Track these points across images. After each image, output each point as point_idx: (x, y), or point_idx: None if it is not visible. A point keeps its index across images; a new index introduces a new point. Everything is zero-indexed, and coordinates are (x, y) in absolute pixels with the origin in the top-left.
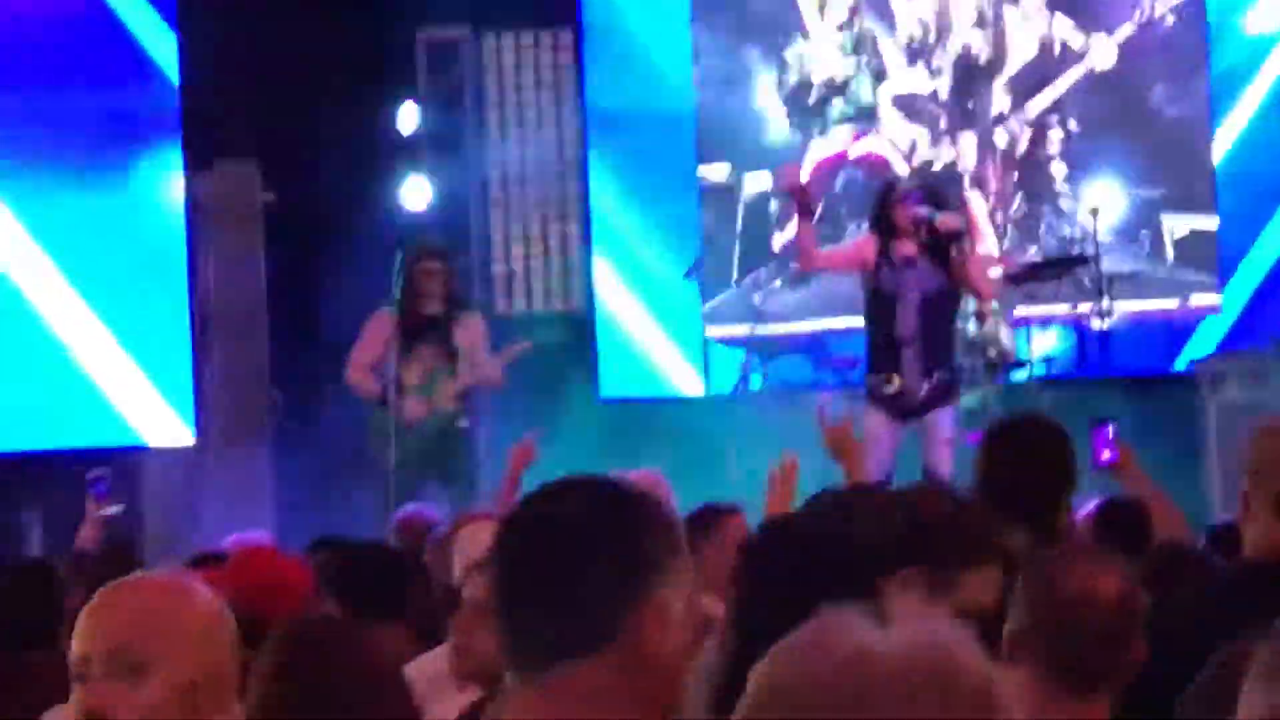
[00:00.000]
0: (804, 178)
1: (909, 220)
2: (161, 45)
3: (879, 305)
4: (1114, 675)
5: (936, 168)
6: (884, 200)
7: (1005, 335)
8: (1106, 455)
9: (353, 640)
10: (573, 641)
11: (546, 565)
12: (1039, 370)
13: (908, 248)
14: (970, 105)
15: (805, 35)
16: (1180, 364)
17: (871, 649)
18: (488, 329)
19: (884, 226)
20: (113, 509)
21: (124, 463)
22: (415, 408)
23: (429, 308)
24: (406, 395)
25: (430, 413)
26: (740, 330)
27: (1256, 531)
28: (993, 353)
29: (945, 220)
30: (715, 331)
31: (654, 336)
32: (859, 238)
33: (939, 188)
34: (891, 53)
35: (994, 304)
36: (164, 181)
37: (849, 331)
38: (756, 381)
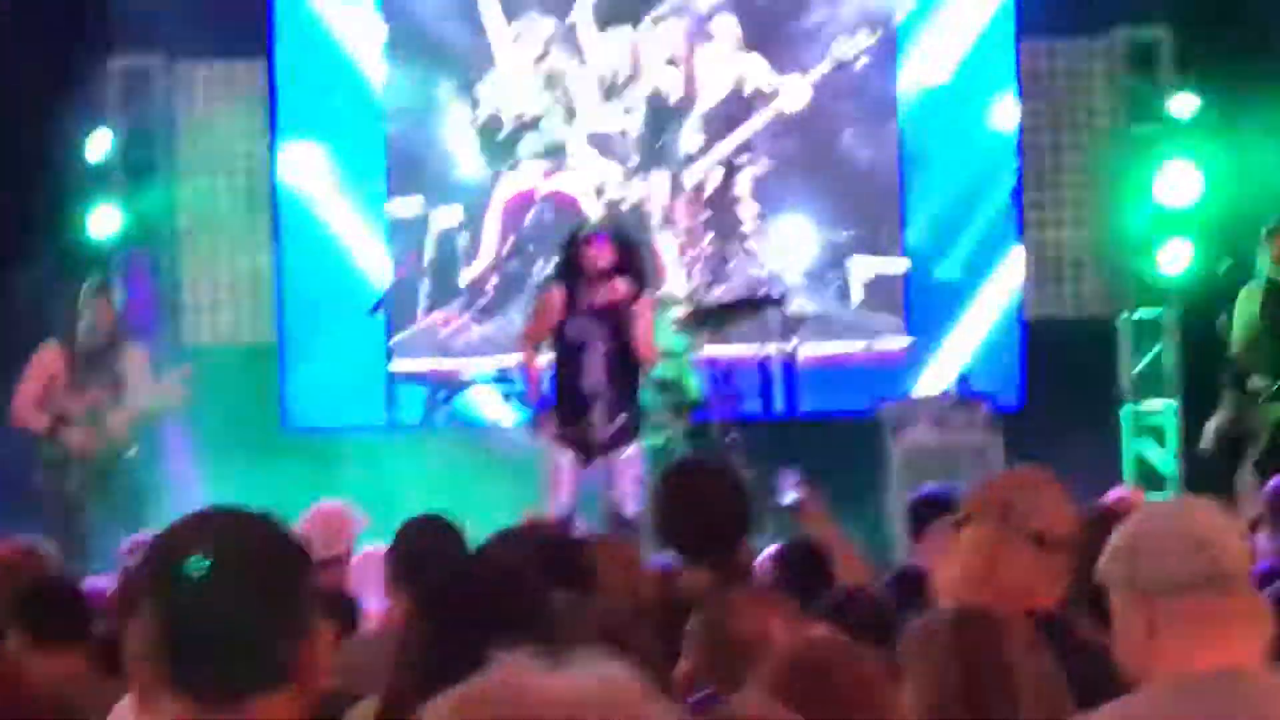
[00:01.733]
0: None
1: (594, 265)
2: None
3: (565, 353)
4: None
5: (627, 205)
6: (571, 244)
7: (692, 375)
8: (790, 497)
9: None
10: (255, 678)
11: (221, 605)
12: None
13: (596, 295)
14: (661, 144)
15: (497, 70)
16: (866, 406)
17: (545, 694)
18: (150, 359)
19: (571, 271)
20: None
21: None
22: (83, 438)
23: (95, 341)
24: (74, 426)
25: (99, 442)
26: (425, 364)
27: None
28: (678, 393)
29: (611, 290)
30: (400, 365)
31: (339, 368)
32: (542, 300)
33: (625, 228)
34: (583, 90)
35: (680, 344)
36: None
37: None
38: (441, 416)
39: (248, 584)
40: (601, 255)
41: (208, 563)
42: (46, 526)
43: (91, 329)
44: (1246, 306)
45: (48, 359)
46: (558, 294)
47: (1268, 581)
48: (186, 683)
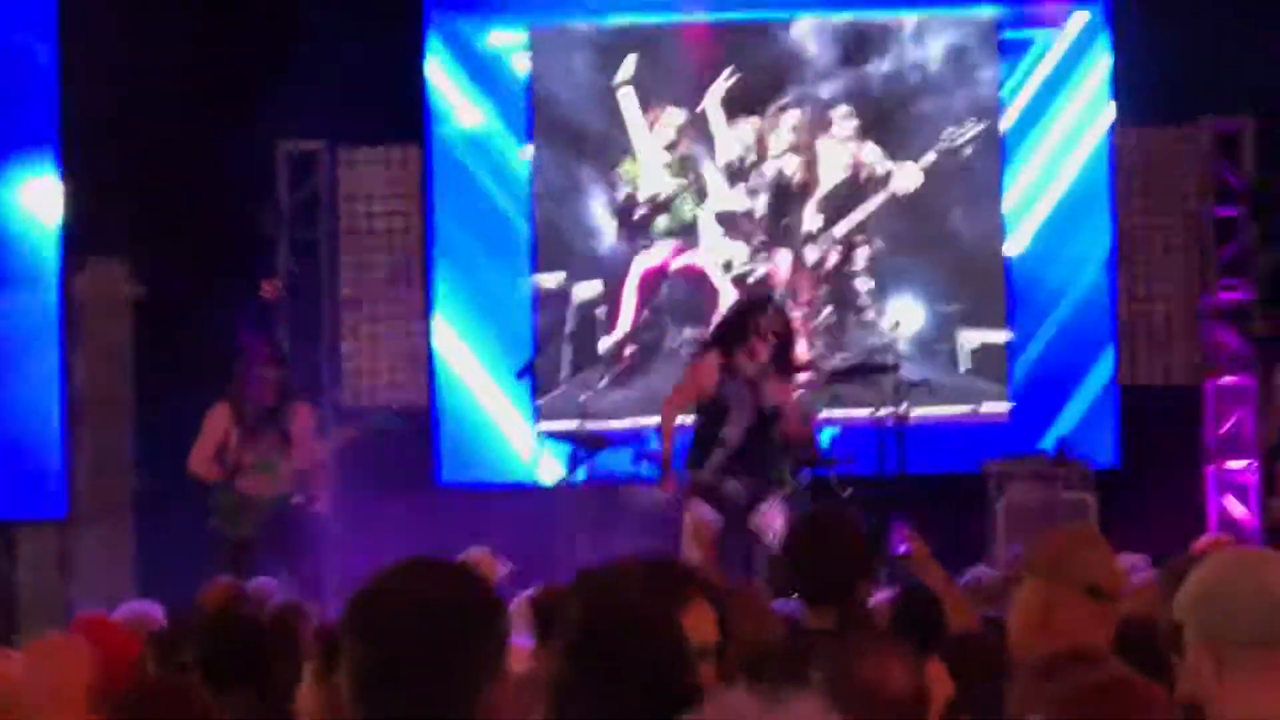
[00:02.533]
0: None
1: (763, 333)
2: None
3: (712, 405)
4: None
5: (752, 280)
6: (747, 310)
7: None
8: (902, 547)
9: (180, 702)
10: (440, 715)
11: (413, 644)
12: (842, 467)
13: (758, 358)
14: (784, 223)
15: (634, 156)
16: (971, 464)
17: None
18: (317, 418)
19: (734, 335)
20: None
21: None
22: (256, 484)
23: (265, 401)
24: (246, 474)
25: (271, 489)
26: (568, 425)
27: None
28: (802, 449)
29: (779, 392)
30: (546, 426)
31: (490, 429)
32: (695, 367)
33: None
34: (712, 174)
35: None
36: (43, 277)
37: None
38: (582, 473)
39: (445, 629)
40: (774, 326)
41: (409, 606)
42: (220, 568)
43: (262, 393)
44: None
45: (219, 417)
46: (712, 360)
47: None
48: (379, 710)
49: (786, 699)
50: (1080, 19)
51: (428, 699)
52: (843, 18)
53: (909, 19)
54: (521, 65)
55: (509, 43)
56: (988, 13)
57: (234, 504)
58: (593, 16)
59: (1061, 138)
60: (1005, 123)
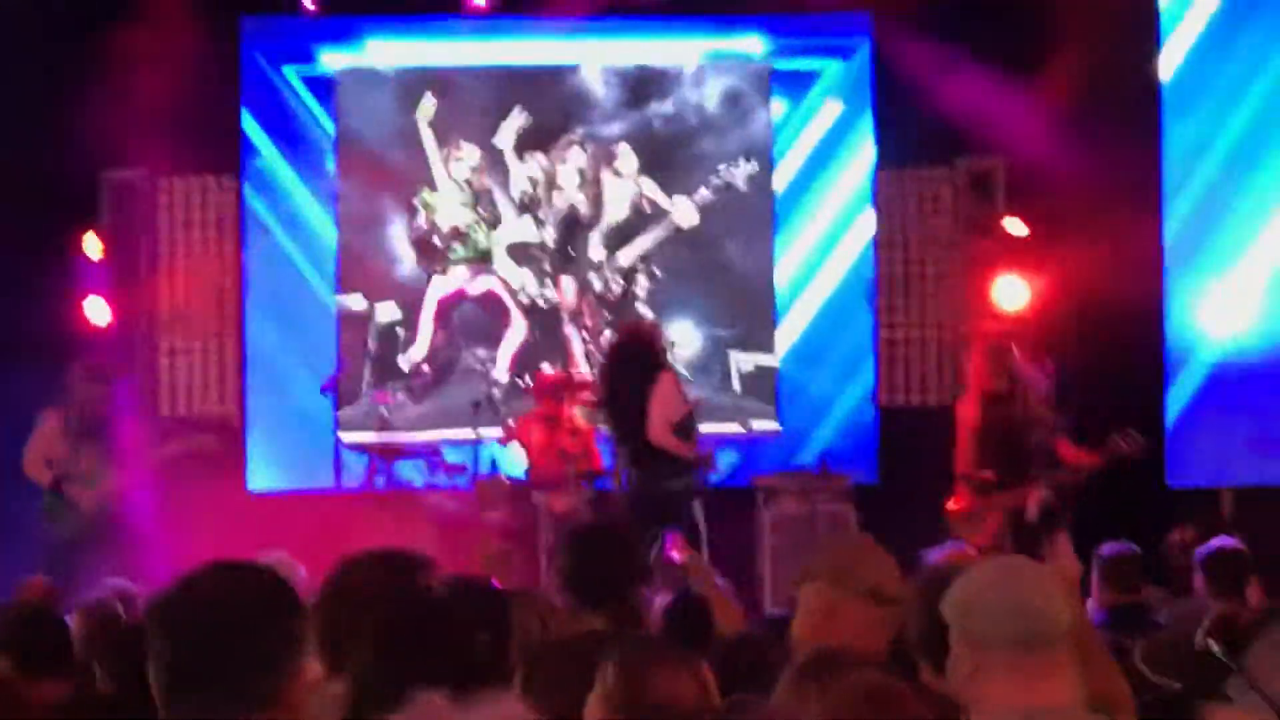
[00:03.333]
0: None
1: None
2: None
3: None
4: None
5: (542, 305)
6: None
7: (596, 450)
8: (675, 555)
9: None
10: (242, 710)
11: (216, 643)
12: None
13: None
14: (571, 253)
15: (433, 187)
16: (743, 479)
17: None
18: (144, 431)
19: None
20: None
21: None
22: (84, 496)
23: (94, 414)
24: (75, 483)
25: (95, 500)
26: (367, 437)
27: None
28: (583, 463)
29: None
30: (347, 437)
31: (296, 439)
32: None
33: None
34: (505, 205)
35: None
36: None
37: (460, 441)
38: (380, 480)
39: (240, 625)
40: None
41: (208, 607)
42: (45, 568)
43: (92, 405)
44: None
45: (48, 425)
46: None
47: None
48: (180, 714)
49: (482, 700)
50: (840, 66)
51: (228, 696)
52: (627, 64)
53: (689, 64)
54: (327, 106)
55: (318, 78)
56: (762, 60)
57: (61, 507)
58: (394, 65)
59: (827, 177)
60: (777, 162)
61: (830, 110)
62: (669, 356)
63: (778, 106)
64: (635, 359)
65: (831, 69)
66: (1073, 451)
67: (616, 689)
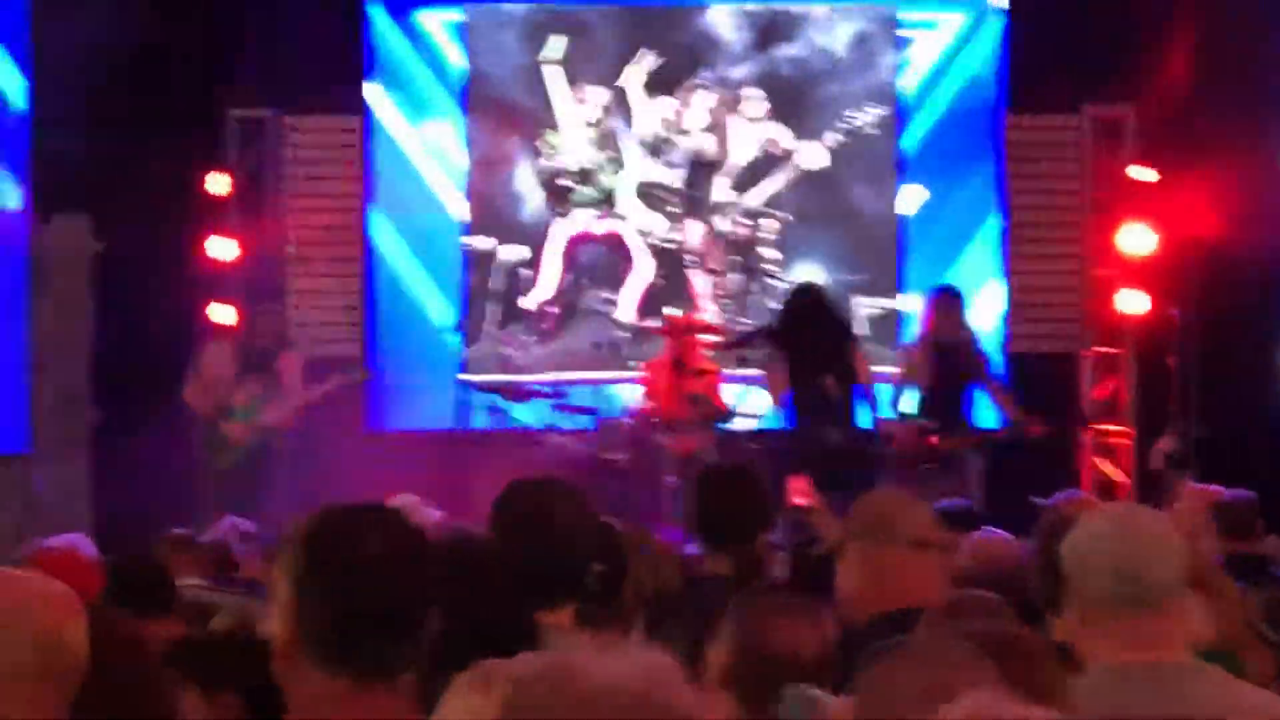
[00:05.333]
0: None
1: None
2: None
3: None
4: None
5: (668, 248)
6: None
7: (721, 392)
8: (799, 500)
9: (129, 629)
10: (408, 656)
11: (391, 589)
12: (746, 423)
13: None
14: (697, 196)
15: (560, 129)
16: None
17: (591, 676)
18: (303, 365)
19: None
20: None
21: None
22: (239, 429)
23: (262, 342)
24: (233, 418)
25: (252, 434)
26: (491, 377)
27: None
28: (708, 406)
29: None
30: (470, 377)
31: (419, 378)
32: None
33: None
34: (632, 147)
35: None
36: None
37: (583, 383)
38: (503, 422)
39: (407, 572)
40: None
41: (379, 552)
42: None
43: (259, 334)
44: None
45: (218, 354)
46: None
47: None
48: (347, 660)
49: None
50: (971, 11)
51: (390, 638)
52: (755, 6)
53: (819, 7)
54: (455, 48)
55: (446, 20)
56: (890, 4)
57: (220, 441)
58: (522, 4)
59: (955, 122)
60: (904, 107)
61: (958, 55)
62: None
63: (906, 51)
64: (834, 313)
65: (960, 13)
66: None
67: (737, 637)
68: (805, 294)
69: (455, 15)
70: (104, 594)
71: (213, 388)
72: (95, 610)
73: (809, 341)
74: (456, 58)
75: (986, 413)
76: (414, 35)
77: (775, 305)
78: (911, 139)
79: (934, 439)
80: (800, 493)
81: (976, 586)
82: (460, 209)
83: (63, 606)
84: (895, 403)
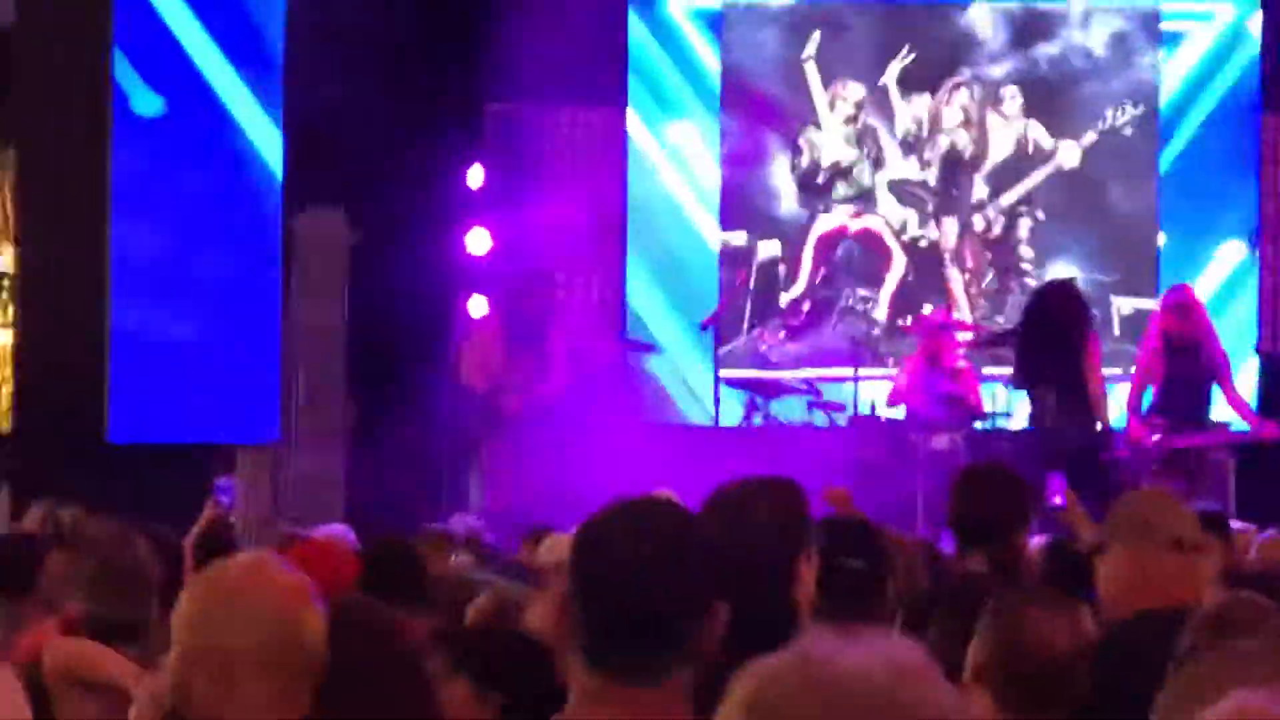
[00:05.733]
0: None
1: None
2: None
3: None
4: (1065, 703)
5: (923, 245)
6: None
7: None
8: (1058, 500)
9: (385, 621)
10: (671, 655)
11: (647, 588)
12: (1000, 422)
13: None
14: (954, 193)
15: (817, 126)
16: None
17: (848, 672)
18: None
19: None
20: (223, 502)
21: (226, 454)
22: (515, 405)
23: (529, 319)
24: (507, 392)
25: (525, 408)
26: (746, 374)
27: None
28: (963, 405)
29: None
30: (725, 373)
31: (672, 373)
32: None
33: None
34: (889, 144)
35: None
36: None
37: (838, 380)
38: (758, 418)
39: (668, 568)
40: None
41: (645, 554)
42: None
43: (528, 310)
44: None
45: (486, 333)
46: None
47: None
48: (606, 660)
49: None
50: (1232, 9)
51: (646, 637)
52: (1014, 4)
53: (1077, 5)
54: (707, 43)
55: (703, 15)
56: (1150, 3)
57: (495, 416)
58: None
59: (1213, 122)
60: (1162, 106)
61: (1217, 54)
62: None
63: (1166, 49)
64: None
65: (1220, 12)
66: None
67: (994, 633)
68: (1046, 294)
69: (713, 10)
70: (359, 583)
71: (486, 363)
72: (345, 602)
73: (1052, 340)
74: (708, 54)
75: (1227, 413)
76: (664, 31)
77: None
78: (1169, 137)
79: (1174, 439)
80: (1058, 492)
81: (1262, 586)
82: (712, 204)
83: (300, 597)
84: (1135, 402)
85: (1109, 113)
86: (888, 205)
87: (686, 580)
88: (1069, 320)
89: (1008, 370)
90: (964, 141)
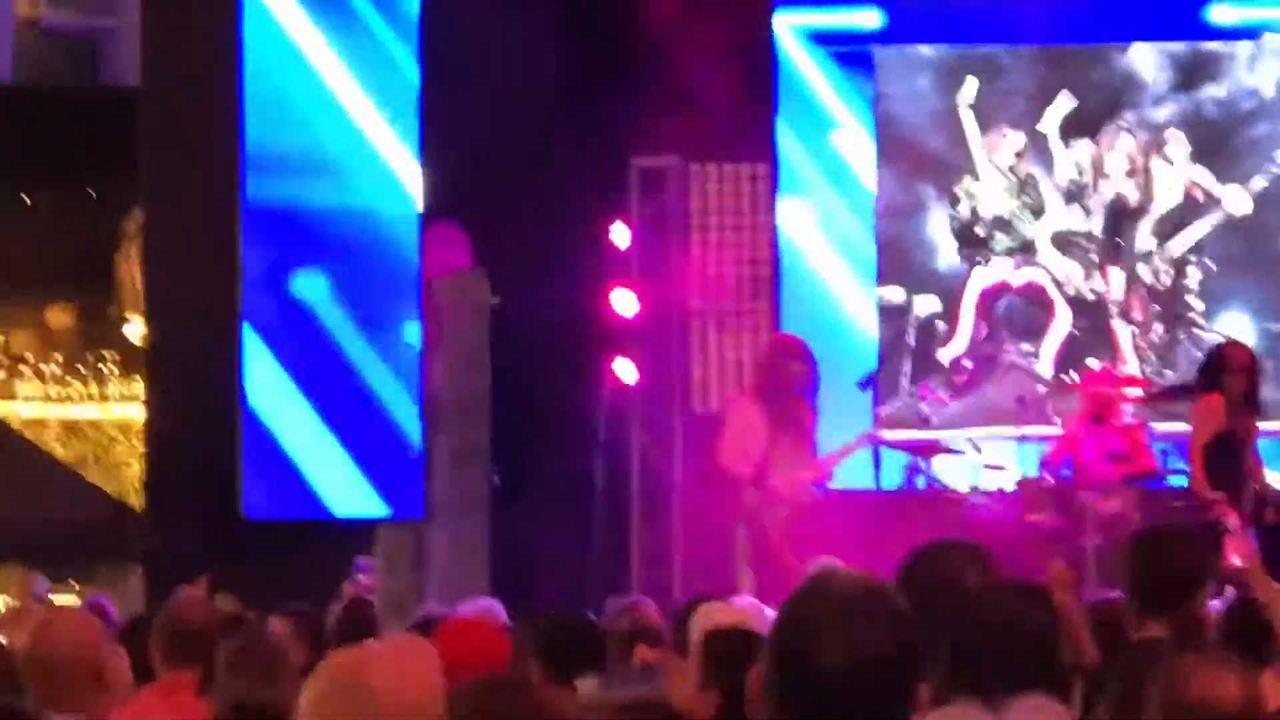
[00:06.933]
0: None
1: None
2: (408, 168)
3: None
4: None
5: (1088, 298)
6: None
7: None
8: (1236, 560)
9: (526, 698)
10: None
11: (866, 681)
12: (1175, 481)
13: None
14: (1119, 243)
15: (975, 175)
16: None
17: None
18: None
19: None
20: (363, 581)
21: (367, 532)
22: (789, 484)
23: (788, 400)
24: (778, 474)
25: (799, 489)
26: (907, 434)
27: None
28: (1130, 462)
29: None
30: (886, 434)
31: (832, 435)
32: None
33: None
34: (1051, 194)
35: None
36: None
37: (1000, 439)
38: (921, 481)
39: (889, 662)
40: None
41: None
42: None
43: (788, 392)
44: None
45: (748, 411)
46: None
47: None
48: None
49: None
50: None
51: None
52: (1178, 45)
53: (1243, 46)
54: (866, 88)
55: (854, 66)
56: None
57: (765, 503)
58: (935, 42)
59: None
60: None
61: None
62: None
63: None
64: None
65: None
66: None
67: (1162, 690)
68: (1220, 353)
69: (865, 57)
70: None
71: (748, 446)
72: (499, 681)
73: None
74: (855, 103)
75: None
76: (819, 76)
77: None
78: None
79: None
80: (1238, 552)
81: None
82: (866, 260)
83: (423, 688)
84: None
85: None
86: (1050, 257)
87: (905, 672)
88: (1254, 382)
89: (1180, 427)
90: (1128, 188)
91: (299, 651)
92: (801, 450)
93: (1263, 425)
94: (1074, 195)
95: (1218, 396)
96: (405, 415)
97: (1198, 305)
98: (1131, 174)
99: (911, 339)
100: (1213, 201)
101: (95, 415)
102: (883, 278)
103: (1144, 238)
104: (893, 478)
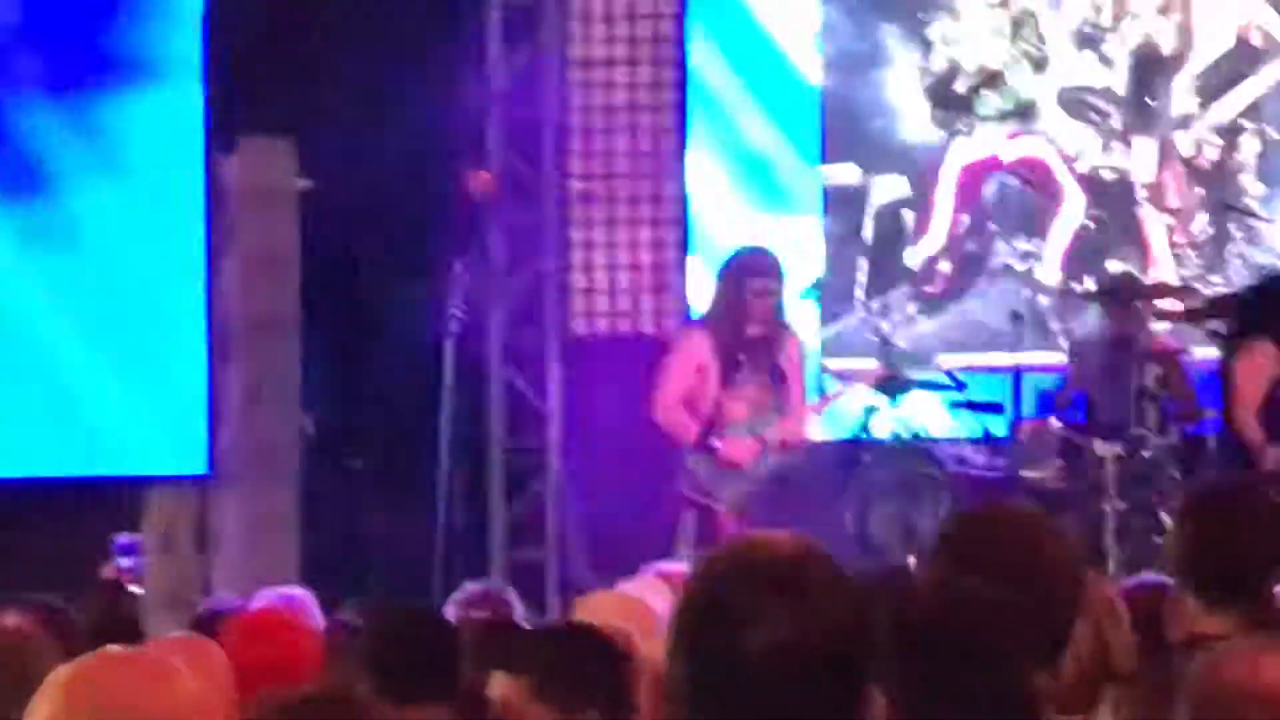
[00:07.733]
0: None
1: None
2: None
3: None
4: None
5: (1107, 177)
6: None
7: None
8: None
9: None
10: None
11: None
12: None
13: None
14: (1149, 104)
15: (953, 13)
16: None
17: None
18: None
19: None
20: (125, 563)
21: (128, 495)
22: (742, 450)
23: (753, 330)
24: (730, 434)
25: (759, 456)
26: (864, 364)
27: None
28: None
29: None
30: (833, 364)
31: None
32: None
33: None
34: (1057, 37)
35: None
36: (180, 162)
37: (994, 370)
38: (883, 428)
39: (828, 659)
40: None
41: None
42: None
43: (752, 320)
44: None
45: (693, 347)
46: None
47: None
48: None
49: None
50: None
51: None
52: None
53: None
54: None
55: None
56: None
57: (712, 474)
58: None
59: None
60: None
61: None
62: None
63: None
64: None
65: None
66: None
67: (1197, 679)
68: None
69: None
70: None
71: (690, 399)
72: (316, 696)
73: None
74: None
75: None
76: None
77: (1263, 257)
78: None
79: None
80: None
81: None
82: (811, 128)
83: (203, 703)
84: None
85: None
86: (1056, 123)
87: (850, 664)
88: None
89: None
90: (1162, 31)
91: (50, 655)
92: (768, 400)
93: None
94: (1088, 40)
95: (1271, 346)
96: (183, 338)
97: (1254, 188)
98: (1165, 11)
99: (869, 235)
100: (1275, 48)
101: None
102: (830, 152)
103: (1182, 97)
104: (842, 423)
